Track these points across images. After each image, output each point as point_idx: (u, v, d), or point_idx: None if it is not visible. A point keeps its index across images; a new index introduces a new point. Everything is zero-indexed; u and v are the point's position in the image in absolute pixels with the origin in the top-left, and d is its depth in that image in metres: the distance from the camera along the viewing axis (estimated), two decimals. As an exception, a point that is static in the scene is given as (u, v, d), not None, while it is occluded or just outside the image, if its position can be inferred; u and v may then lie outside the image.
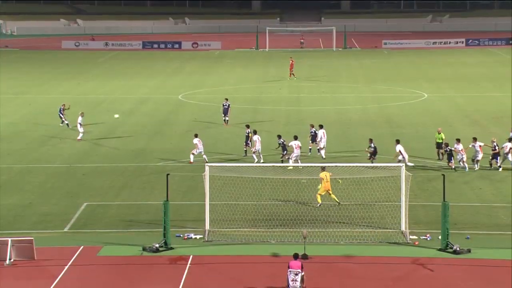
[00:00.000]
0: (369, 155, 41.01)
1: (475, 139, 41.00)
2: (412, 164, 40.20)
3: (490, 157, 40.88)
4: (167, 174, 30.54)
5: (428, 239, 30.40)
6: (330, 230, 31.19)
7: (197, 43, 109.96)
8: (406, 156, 39.94)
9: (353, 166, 37.13)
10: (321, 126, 44.48)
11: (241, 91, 70.54)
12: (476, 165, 40.46)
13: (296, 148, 41.26)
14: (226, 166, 37.60)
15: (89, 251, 29.18)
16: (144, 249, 29.11)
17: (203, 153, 42.56)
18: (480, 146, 40.60)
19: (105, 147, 47.47)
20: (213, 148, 46.47)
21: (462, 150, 40.38)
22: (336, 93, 68.78)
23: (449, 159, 40.54)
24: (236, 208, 33.71)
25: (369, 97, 66.57)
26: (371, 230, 31.31)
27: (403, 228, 30.94)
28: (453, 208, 30.69)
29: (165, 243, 29.36)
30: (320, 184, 34.36)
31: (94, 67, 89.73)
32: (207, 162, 41.53)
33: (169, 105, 63.06)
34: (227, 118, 54.25)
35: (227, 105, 54.26)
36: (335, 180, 34.87)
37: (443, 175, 31.62)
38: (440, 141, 43.00)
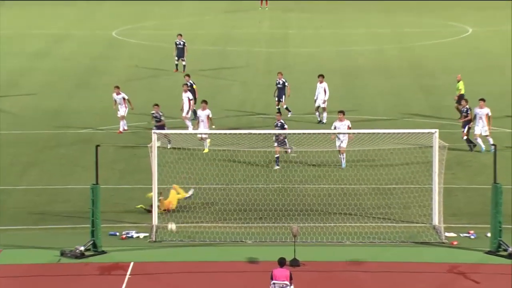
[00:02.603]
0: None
1: None
2: None
3: None
4: (97, 146, 30.38)
5: (472, 237, 30.55)
6: (330, 225, 31.23)
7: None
8: None
9: (363, 133, 37.12)
10: (321, 77, 44.09)
11: (203, 25, 70.28)
12: None
13: (201, 121, 39.16)
14: (180, 133, 37.51)
15: (-18, 258, 29.07)
16: (62, 254, 29.02)
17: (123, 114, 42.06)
18: None
19: (3, 107, 47.18)
20: (162, 107, 46.28)
21: (486, 116, 38.58)
22: (339, 29, 68.73)
23: (464, 126, 39.06)
24: (196, 194, 33.67)
25: (386, 33, 66.60)
26: (389, 224, 31.38)
27: (435, 221, 31.06)
28: (508, 194, 30.77)
29: (94, 245, 29.31)
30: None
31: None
32: (125, 130, 41.40)
33: (98, 46, 62.73)
34: (183, 63, 54.12)
35: (182, 43, 54.13)
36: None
37: (494, 145, 31.68)
38: (459, 92, 43.55)
